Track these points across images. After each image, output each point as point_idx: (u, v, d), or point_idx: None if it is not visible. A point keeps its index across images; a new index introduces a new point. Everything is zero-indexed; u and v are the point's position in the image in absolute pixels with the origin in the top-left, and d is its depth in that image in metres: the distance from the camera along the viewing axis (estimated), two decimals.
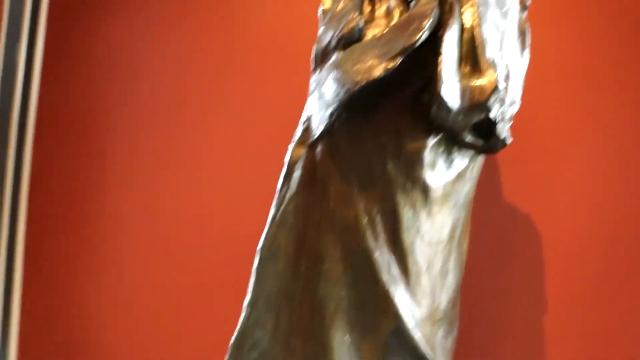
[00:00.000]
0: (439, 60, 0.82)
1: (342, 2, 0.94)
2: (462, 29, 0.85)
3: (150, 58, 1.92)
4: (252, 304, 0.86)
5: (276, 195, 0.89)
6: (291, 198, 0.87)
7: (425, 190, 0.87)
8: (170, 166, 1.92)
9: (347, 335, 0.84)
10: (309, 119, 0.91)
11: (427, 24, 0.82)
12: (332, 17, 0.94)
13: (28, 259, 1.99)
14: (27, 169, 2.00)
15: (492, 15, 0.86)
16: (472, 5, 0.85)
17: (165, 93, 1.88)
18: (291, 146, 0.91)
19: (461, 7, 0.85)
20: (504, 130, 0.89)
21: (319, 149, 0.87)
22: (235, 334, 0.86)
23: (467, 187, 0.93)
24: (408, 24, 0.84)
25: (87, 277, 1.97)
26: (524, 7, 0.95)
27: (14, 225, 1.98)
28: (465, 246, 0.96)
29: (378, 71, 0.83)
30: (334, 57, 0.89)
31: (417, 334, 0.86)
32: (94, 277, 1.96)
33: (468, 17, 0.85)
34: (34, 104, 2.03)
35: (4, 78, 1.95)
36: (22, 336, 1.95)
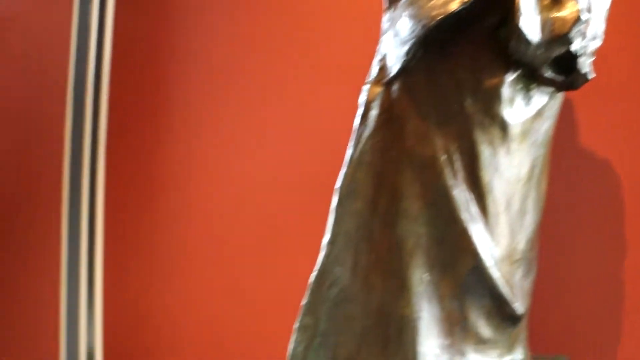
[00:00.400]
0: None
1: None
2: None
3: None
4: (331, 242, 0.87)
5: (353, 135, 0.89)
6: (369, 137, 0.87)
7: (503, 127, 0.86)
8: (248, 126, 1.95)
9: (426, 274, 0.84)
10: (384, 58, 0.90)
11: None
12: None
13: (108, 246, 2.06)
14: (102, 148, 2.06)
15: None
16: None
17: (238, 45, 1.90)
18: (366, 86, 0.91)
19: None
20: (585, 65, 0.87)
21: (395, 87, 0.87)
22: (315, 272, 0.87)
23: (546, 125, 0.91)
24: None
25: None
26: None
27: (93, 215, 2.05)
28: (543, 186, 0.94)
29: (454, 5, 0.81)
30: None
31: (496, 274, 0.86)
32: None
33: None
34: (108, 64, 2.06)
35: (79, 40, 2.00)
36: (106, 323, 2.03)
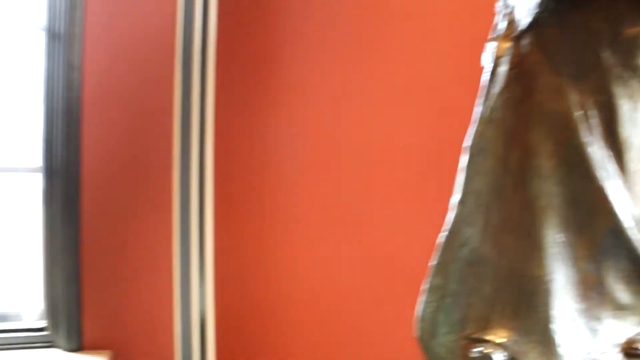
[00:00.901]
0: None
1: None
2: None
3: None
4: (461, 201, 0.85)
5: (482, 92, 0.87)
6: (499, 93, 0.84)
7: None
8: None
9: (561, 234, 0.81)
10: (512, 11, 0.87)
11: None
12: None
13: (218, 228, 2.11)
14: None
15: None
16: None
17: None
18: (492, 42, 0.88)
19: None
20: None
21: (525, 41, 0.83)
22: (444, 232, 0.86)
23: None
24: None
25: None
26: None
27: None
28: None
29: None
30: None
31: (636, 235, 0.81)
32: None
33: None
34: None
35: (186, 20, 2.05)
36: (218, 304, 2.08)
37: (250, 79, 2.17)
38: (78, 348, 2.19)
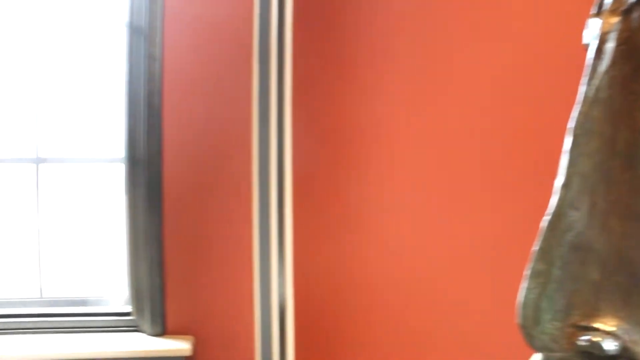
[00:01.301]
0: None
1: None
2: None
3: None
4: (565, 184, 0.82)
5: (587, 71, 0.83)
6: (605, 71, 0.80)
7: None
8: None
9: None
10: None
11: None
12: None
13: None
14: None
15: None
16: None
17: None
18: (596, 18, 0.84)
19: None
20: None
21: (636, 14, 0.79)
22: (548, 216, 0.83)
23: None
24: None
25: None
26: None
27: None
28: None
29: None
30: None
31: None
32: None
33: None
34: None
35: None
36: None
37: (328, 67, 2.17)
38: (161, 333, 2.26)
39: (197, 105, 2.19)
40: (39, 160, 2.38)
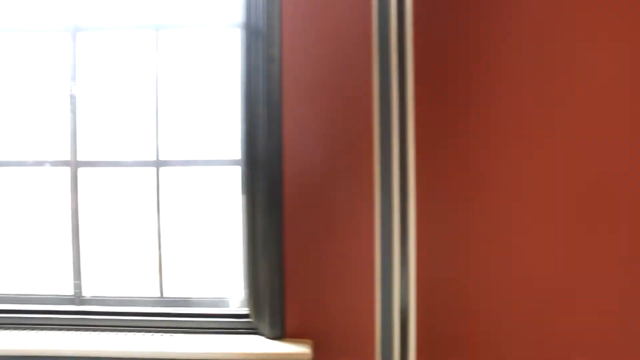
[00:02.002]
0: None
1: None
2: None
3: None
4: None
5: None
6: None
7: None
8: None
9: None
10: None
11: None
12: None
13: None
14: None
15: None
16: None
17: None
18: None
19: None
20: None
21: None
22: None
23: None
24: None
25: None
26: None
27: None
28: None
29: None
30: None
31: None
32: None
33: None
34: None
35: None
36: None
37: (450, 65, 2.09)
38: (280, 336, 2.24)
39: (316, 105, 2.16)
40: (159, 164, 2.42)
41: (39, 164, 2.59)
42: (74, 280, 2.47)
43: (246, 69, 2.27)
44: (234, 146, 2.39)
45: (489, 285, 2.09)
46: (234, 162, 2.40)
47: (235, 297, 2.40)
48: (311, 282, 2.20)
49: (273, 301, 2.24)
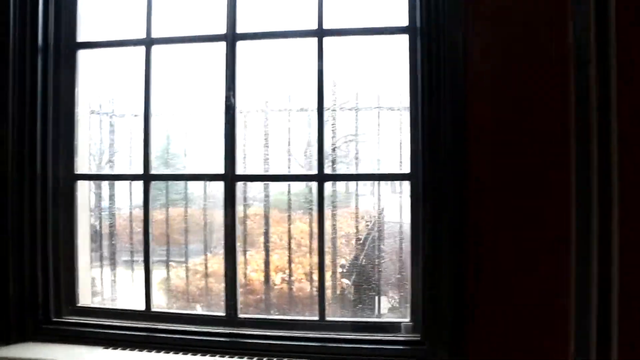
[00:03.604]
0: None
1: None
2: None
3: None
4: None
5: None
6: None
7: None
8: None
9: None
10: None
11: None
12: None
13: None
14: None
15: None
16: None
17: None
18: None
19: None
20: None
21: None
22: None
23: None
24: None
25: None
26: None
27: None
28: None
29: None
30: None
31: None
32: None
33: None
34: None
35: None
36: None
37: None
38: None
39: (506, 112, 2.00)
40: (322, 177, 2.29)
41: (197, 177, 2.50)
42: (228, 300, 2.34)
43: (424, 77, 2.12)
44: (404, 160, 2.24)
45: None
46: (405, 177, 2.25)
47: (407, 322, 2.22)
48: (498, 307, 2.01)
49: (453, 327, 2.05)
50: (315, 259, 2.30)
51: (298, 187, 2.55)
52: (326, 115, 2.30)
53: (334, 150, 2.37)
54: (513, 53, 2.04)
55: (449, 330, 2.05)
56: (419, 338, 2.16)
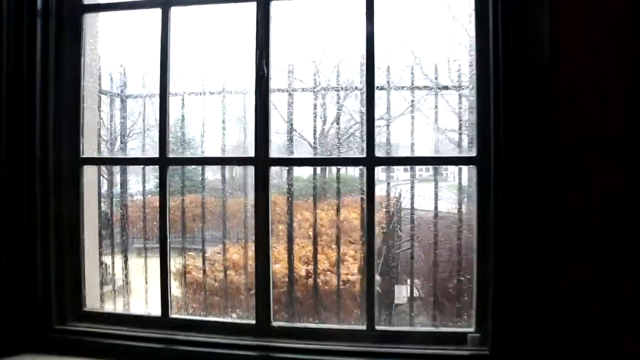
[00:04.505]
0: None
1: None
2: None
3: None
4: None
5: None
6: None
7: None
8: None
9: None
10: None
11: None
12: None
13: None
14: None
15: None
16: None
17: None
18: None
19: None
20: None
21: None
22: None
23: None
24: None
25: None
26: None
27: None
28: None
29: None
30: None
31: None
32: None
33: None
34: None
35: None
36: None
37: None
38: None
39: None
40: (373, 162, 1.94)
41: (226, 161, 2.17)
42: (259, 305, 2.00)
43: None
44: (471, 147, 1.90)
45: None
46: (470, 161, 1.91)
47: (474, 334, 1.88)
48: (584, 322, 1.67)
49: (528, 342, 1.71)
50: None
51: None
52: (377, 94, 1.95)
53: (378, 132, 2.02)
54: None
55: (529, 344, 1.71)
56: (487, 352, 1.82)
